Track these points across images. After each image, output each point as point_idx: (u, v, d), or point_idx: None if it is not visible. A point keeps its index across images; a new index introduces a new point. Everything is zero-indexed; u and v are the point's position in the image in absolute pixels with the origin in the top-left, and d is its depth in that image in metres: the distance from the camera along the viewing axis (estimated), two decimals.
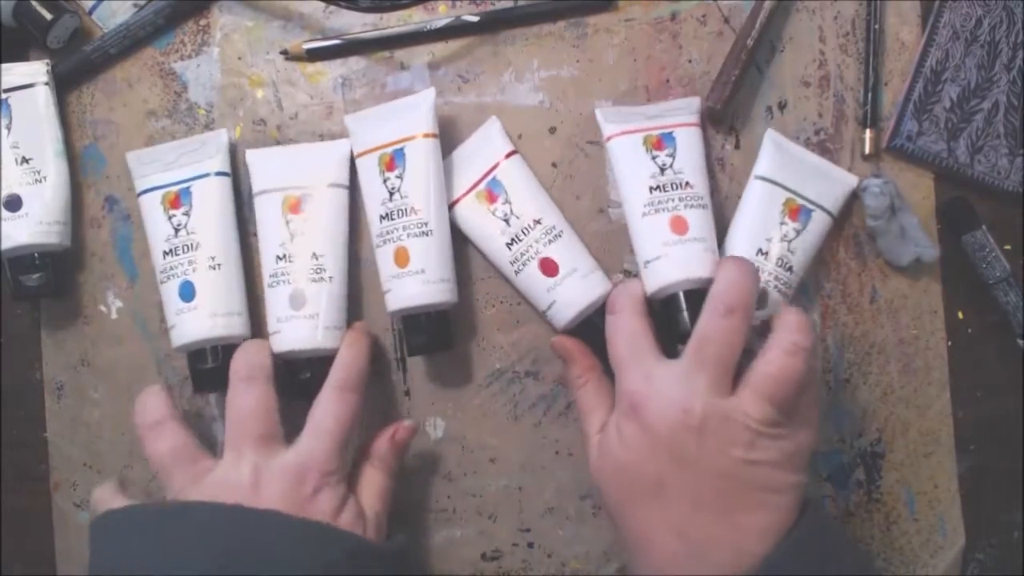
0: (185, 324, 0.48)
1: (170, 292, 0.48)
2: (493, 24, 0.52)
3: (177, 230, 0.49)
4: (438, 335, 0.48)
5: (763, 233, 0.48)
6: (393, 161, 0.48)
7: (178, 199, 0.49)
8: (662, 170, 0.48)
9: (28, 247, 0.50)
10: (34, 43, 0.54)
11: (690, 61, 0.52)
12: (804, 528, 0.41)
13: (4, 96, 0.51)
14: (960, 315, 0.52)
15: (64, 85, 0.53)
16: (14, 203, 0.50)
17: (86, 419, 0.53)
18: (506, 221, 0.49)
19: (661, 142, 0.49)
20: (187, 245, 0.49)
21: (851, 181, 0.50)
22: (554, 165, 0.52)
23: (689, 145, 0.49)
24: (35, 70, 0.51)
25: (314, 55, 0.52)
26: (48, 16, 0.51)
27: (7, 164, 0.50)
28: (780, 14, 0.51)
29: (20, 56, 0.54)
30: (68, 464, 0.54)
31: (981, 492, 0.52)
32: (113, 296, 0.53)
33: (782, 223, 0.49)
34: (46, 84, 0.51)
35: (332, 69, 0.53)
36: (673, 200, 0.47)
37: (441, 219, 0.48)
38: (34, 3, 0.51)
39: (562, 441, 0.52)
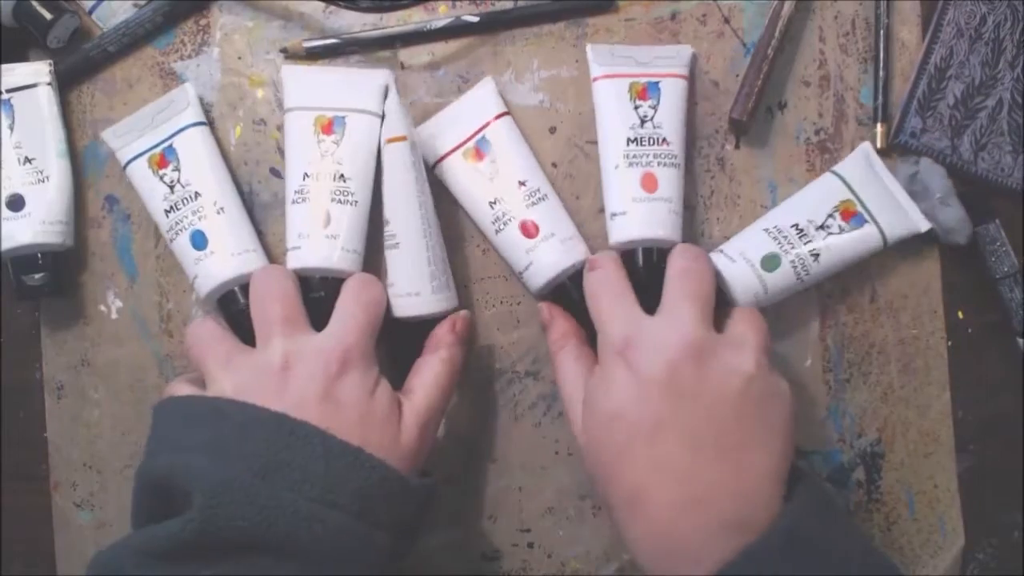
0: (207, 270, 0.48)
1: (183, 246, 0.49)
2: (493, 24, 0.52)
3: (172, 187, 0.49)
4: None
5: (808, 214, 0.48)
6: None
7: (164, 158, 0.50)
8: (642, 122, 0.48)
9: (31, 247, 0.50)
10: (34, 43, 0.53)
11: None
12: (808, 485, 0.41)
13: (7, 96, 0.51)
14: (960, 315, 0.52)
15: (64, 85, 0.53)
16: (17, 203, 0.50)
17: (86, 419, 0.53)
18: (490, 180, 0.49)
19: (646, 91, 0.49)
20: (186, 198, 0.49)
21: (921, 225, 0.49)
22: (554, 165, 0.52)
23: (673, 97, 0.49)
24: (38, 70, 0.51)
25: (313, 54, 0.52)
26: (48, 16, 0.51)
27: (10, 164, 0.50)
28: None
29: (20, 56, 0.54)
30: (68, 464, 0.54)
31: (981, 492, 0.52)
32: (113, 296, 0.53)
33: (831, 215, 0.48)
34: (49, 84, 0.51)
35: None
36: (648, 156, 0.48)
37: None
38: (34, 3, 0.51)
39: (562, 441, 0.52)
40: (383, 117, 0.49)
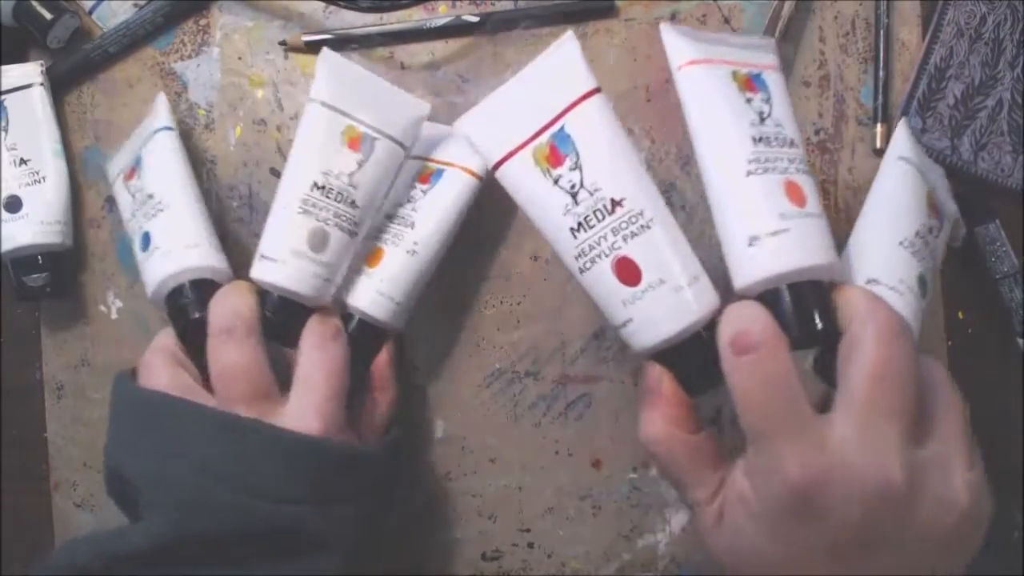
0: (147, 270, 0.45)
1: (137, 252, 0.46)
2: (493, 24, 0.52)
3: (134, 195, 0.47)
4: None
5: (921, 217, 0.39)
6: None
7: (132, 171, 0.48)
8: (761, 119, 0.36)
9: (30, 247, 0.50)
10: (34, 43, 0.54)
11: None
12: None
13: (1, 98, 0.51)
14: (960, 315, 0.52)
15: (64, 85, 0.53)
16: (14, 204, 0.50)
17: (86, 419, 0.53)
18: (573, 196, 0.36)
19: (752, 83, 0.37)
20: (142, 202, 0.46)
21: (953, 210, 0.44)
22: None
23: (782, 94, 0.38)
24: (30, 71, 0.51)
25: (313, 48, 0.52)
26: (48, 16, 0.51)
27: (5, 166, 0.50)
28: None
29: (20, 56, 0.54)
30: (68, 464, 0.54)
31: None
32: (113, 296, 0.53)
33: (928, 215, 0.40)
34: (41, 85, 0.51)
35: None
36: (783, 160, 0.35)
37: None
38: (34, 3, 0.51)
39: (562, 441, 0.52)
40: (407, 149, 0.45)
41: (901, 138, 0.43)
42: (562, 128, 0.36)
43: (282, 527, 0.39)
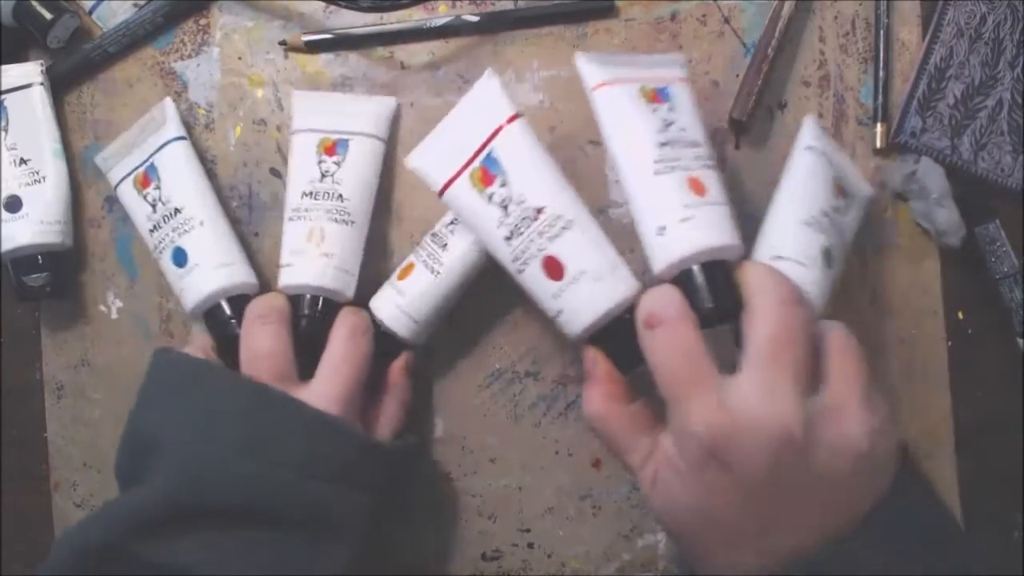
0: (189, 285, 0.48)
1: (167, 265, 0.49)
2: (493, 24, 0.52)
3: (154, 205, 0.49)
4: None
5: (826, 197, 0.44)
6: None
7: (147, 177, 0.50)
8: (666, 125, 0.41)
9: (30, 247, 0.50)
10: (34, 43, 0.54)
11: (690, 61, 0.52)
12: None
13: (0, 98, 0.51)
14: (960, 315, 0.52)
15: (64, 85, 0.53)
16: (14, 204, 0.50)
17: (86, 419, 0.53)
18: (504, 208, 0.41)
19: (658, 96, 0.42)
20: (167, 215, 0.49)
21: (866, 190, 0.48)
22: None
23: (687, 102, 0.43)
24: (29, 71, 0.51)
25: (313, 47, 0.52)
26: (48, 16, 0.51)
27: (5, 166, 0.50)
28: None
29: (20, 56, 0.54)
30: (68, 464, 0.54)
31: (981, 492, 0.52)
32: (113, 296, 0.53)
33: (835, 195, 0.45)
34: (41, 84, 0.51)
35: (332, 69, 0.53)
36: (686, 159, 0.40)
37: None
38: (34, 3, 0.51)
39: (562, 441, 0.52)
40: (386, 142, 0.50)
41: (807, 129, 0.47)
42: (490, 152, 0.41)
43: (301, 502, 0.40)
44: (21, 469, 0.54)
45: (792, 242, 0.43)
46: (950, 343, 0.52)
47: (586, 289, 0.40)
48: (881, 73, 0.51)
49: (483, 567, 0.52)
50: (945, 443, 0.52)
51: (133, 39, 0.53)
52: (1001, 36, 0.51)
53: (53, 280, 0.51)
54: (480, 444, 0.52)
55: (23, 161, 0.51)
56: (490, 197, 0.41)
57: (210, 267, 0.48)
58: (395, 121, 0.52)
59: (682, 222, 0.39)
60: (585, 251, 0.40)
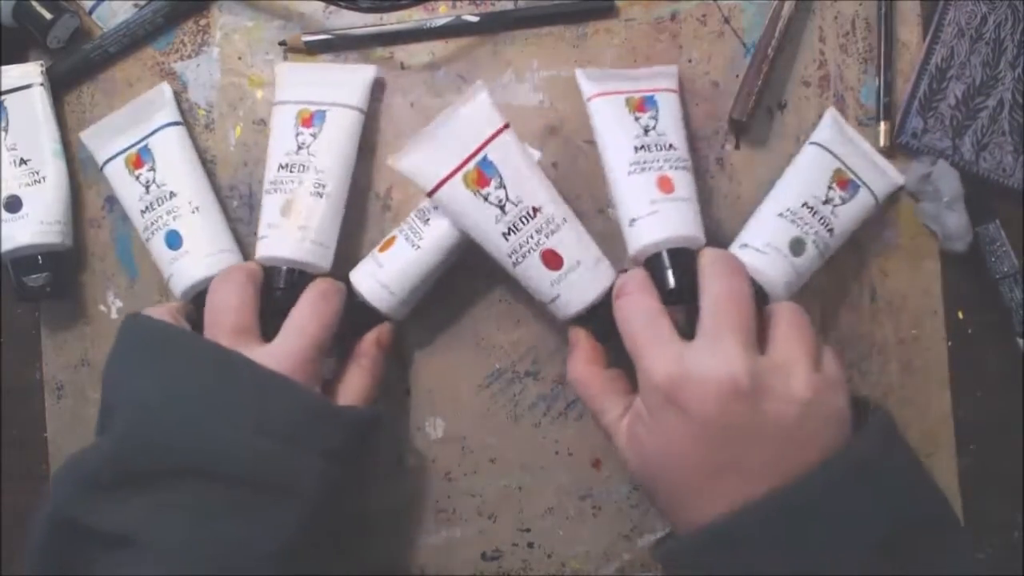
0: (181, 269, 0.48)
1: (158, 246, 0.49)
2: (493, 24, 0.52)
3: (147, 187, 0.49)
4: None
5: (812, 191, 0.48)
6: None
7: (139, 158, 0.50)
8: (646, 131, 0.47)
9: (31, 248, 0.50)
10: (34, 43, 0.54)
11: (690, 61, 0.52)
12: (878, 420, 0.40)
13: (0, 98, 0.51)
14: (960, 315, 0.52)
15: (64, 85, 0.53)
16: (14, 204, 0.50)
17: (86, 419, 0.53)
18: (501, 208, 0.45)
19: (643, 104, 0.48)
20: (161, 198, 0.49)
21: (898, 179, 0.51)
22: (554, 165, 0.52)
23: (670, 110, 0.48)
24: (29, 71, 0.51)
25: (313, 47, 0.52)
26: (48, 16, 0.51)
27: (5, 166, 0.50)
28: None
29: (20, 56, 0.54)
30: None
31: (981, 492, 0.52)
32: (113, 296, 0.53)
33: (830, 187, 0.49)
34: (41, 85, 0.51)
35: None
36: (658, 160, 0.46)
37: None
38: (34, 3, 0.51)
39: (562, 441, 0.52)
40: (364, 111, 0.50)
41: (821, 124, 0.51)
42: (485, 156, 0.45)
43: (250, 460, 0.40)
44: (21, 469, 0.54)
45: (759, 232, 0.48)
46: (950, 343, 0.52)
47: (581, 277, 0.45)
48: (883, 72, 0.51)
49: (483, 567, 0.52)
50: (945, 443, 0.52)
51: (133, 39, 0.53)
52: (1002, 36, 0.51)
53: (53, 280, 0.51)
54: (480, 444, 0.52)
55: (23, 161, 0.51)
56: (486, 197, 0.45)
57: (203, 254, 0.48)
58: (376, 90, 0.52)
59: (649, 215, 0.45)
60: (578, 245, 0.46)
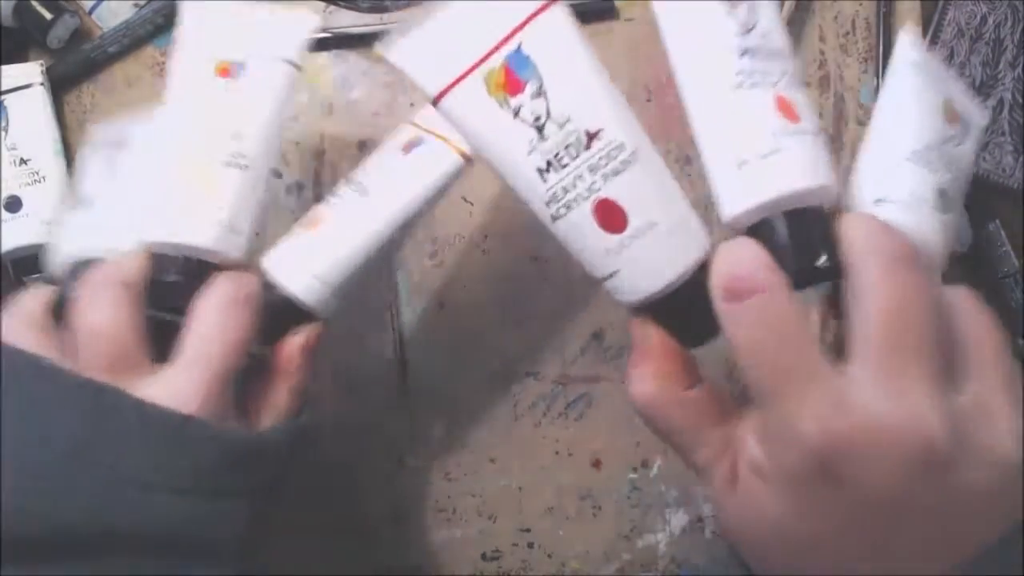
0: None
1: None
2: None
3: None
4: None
5: (933, 125, 0.35)
6: None
7: None
8: (747, 29, 0.31)
9: (30, 247, 0.50)
10: (34, 43, 0.54)
11: None
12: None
13: (1, 98, 0.51)
14: None
15: (64, 85, 0.53)
16: (14, 204, 0.50)
17: None
18: (539, 130, 0.30)
19: None
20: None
21: (983, 120, 0.38)
22: None
23: (767, 3, 0.33)
24: (30, 71, 0.51)
25: (312, 47, 0.52)
26: (48, 16, 0.51)
27: (6, 166, 0.50)
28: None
29: (20, 56, 0.54)
30: None
31: None
32: None
33: (947, 123, 0.35)
34: (41, 84, 0.51)
35: (332, 68, 0.53)
36: (773, 73, 0.30)
37: None
38: (34, 3, 0.51)
39: (562, 441, 0.52)
40: (300, 68, 0.39)
41: (906, 45, 0.36)
42: (519, 48, 0.29)
43: (155, 522, 0.32)
44: None
45: (894, 182, 0.33)
46: None
47: (655, 245, 0.30)
48: (883, 73, 0.51)
49: (483, 567, 0.52)
50: None
51: (133, 39, 0.53)
52: (1002, 36, 0.51)
53: (53, 280, 0.51)
54: (480, 444, 0.52)
55: (23, 161, 0.51)
56: (517, 111, 0.30)
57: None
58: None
59: (772, 154, 0.29)
60: (654, 196, 0.30)
